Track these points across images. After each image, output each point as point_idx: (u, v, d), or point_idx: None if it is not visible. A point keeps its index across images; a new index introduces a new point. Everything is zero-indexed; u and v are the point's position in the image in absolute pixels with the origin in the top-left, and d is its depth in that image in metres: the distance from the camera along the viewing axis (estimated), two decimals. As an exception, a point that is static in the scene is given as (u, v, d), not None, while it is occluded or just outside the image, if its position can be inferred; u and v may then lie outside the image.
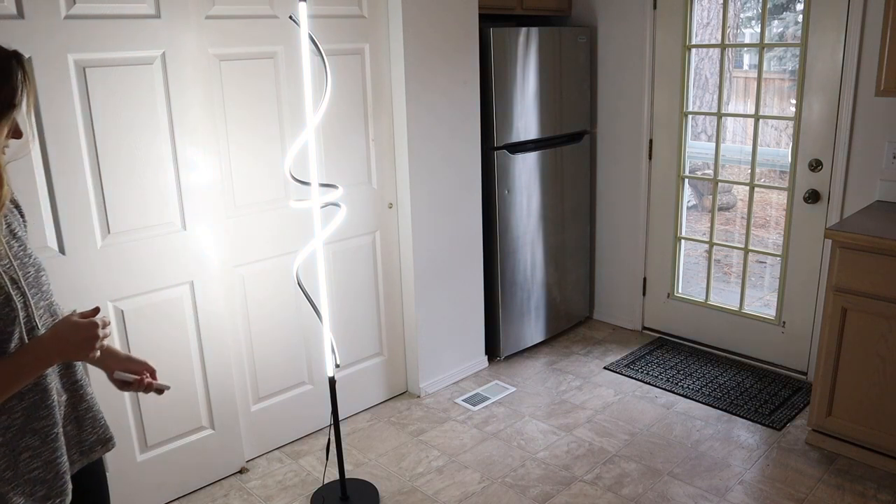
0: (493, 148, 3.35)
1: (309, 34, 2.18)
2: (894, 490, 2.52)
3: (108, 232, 2.28)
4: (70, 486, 1.33)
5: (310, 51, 2.21)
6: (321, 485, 2.66)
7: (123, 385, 1.43)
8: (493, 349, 3.64)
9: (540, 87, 3.49)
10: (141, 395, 2.42)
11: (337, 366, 2.54)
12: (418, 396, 3.32)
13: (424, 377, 3.33)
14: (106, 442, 1.46)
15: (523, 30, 3.35)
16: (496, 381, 3.46)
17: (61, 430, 1.31)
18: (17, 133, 1.20)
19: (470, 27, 3.13)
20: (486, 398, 3.29)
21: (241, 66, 2.54)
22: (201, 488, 2.66)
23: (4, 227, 1.22)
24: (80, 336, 1.20)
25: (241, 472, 2.76)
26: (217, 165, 2.54)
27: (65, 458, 1.31)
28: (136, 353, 2.38)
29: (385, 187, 3.09)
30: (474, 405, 3.24)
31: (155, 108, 2.31)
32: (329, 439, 2.57)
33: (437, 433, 3.01)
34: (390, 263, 3.18)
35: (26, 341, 1.21)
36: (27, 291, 1.22)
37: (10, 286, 1.18)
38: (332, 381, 2.48)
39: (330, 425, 2.61)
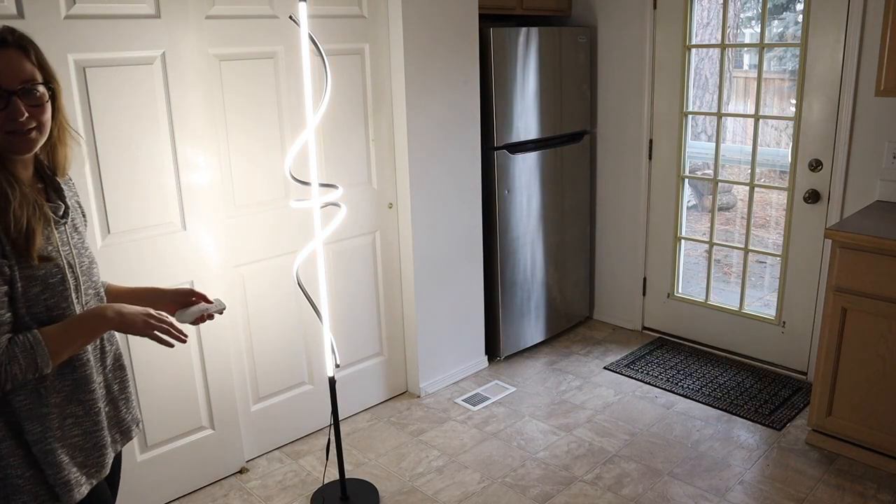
0: (493, 148, 3.35)
1: (309, 34, 2.18)
2: (894, 490, 2.52)
3: (109, 232, 2.28)
4: (109, 462, 1.46)
5: (310, 51, 2.21)
6: (321, 485, 2.66)
7: (195, 322, 1.56)
8: (493, 349, 3.64)
9: (540, 87, 3.49)
10: (142, 393, 2.43)
11: (337, 366, 2.54)
12: (418, 396, 3.32)
13: (424, 377, 3.33)
14: (138, 422, 1.59)
15: (523, 30, 3.35)
16: (496, 381, 3.46)
17: (103, 408, 1.44)
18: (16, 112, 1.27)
19: (470, 27, 3.13)
20: (486, 398, 3.29)
21: (241, 67, 2.54)
22: (201, 488, 2.66)
23: (70, 220, 1.40)
24: (129, 317, 1.37)
25: (241, 472, 2.76)
26: (217, 165, 2.55)
27: (106, 433, 1.44)
28: (137, 353, 2.40)
29: (385, 187, 3.09)
30: (474, 405, 3.24)
31: (155, 109, 2.31)
32: (329, 439, 2.57)
33: (437, 433, 3.01)
34: (390, 263, 3.18)
35: None
36: (80, 277, 1.38)
37: (66, 269, 1.34)
38: (332, 381, 2.48)
39: (330, 425, 2.61)
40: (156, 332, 1.39)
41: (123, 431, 1.53)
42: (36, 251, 1.25)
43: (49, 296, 1.30)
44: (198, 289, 1.62)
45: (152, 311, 1.40)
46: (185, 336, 1.43)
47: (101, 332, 1.38)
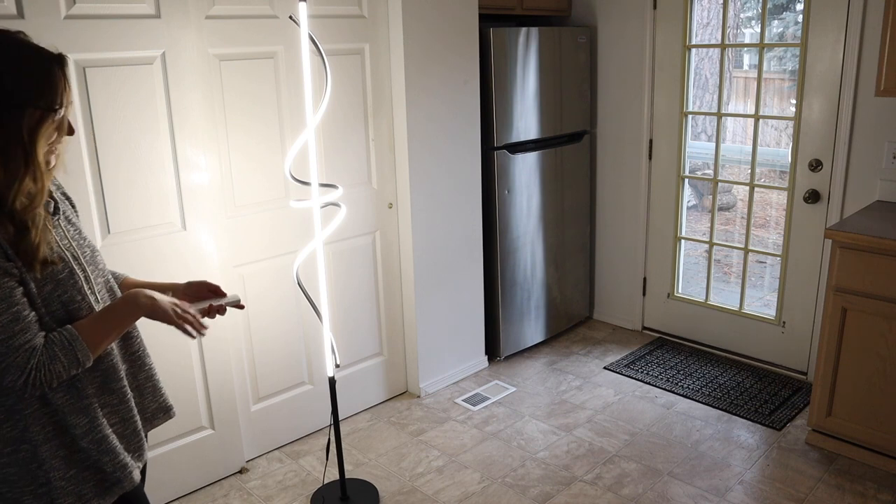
0: (493, 148, 3.35)
1: (309, 34, 2.18)
2: (894, 490, 2.53)
3: (109, 232, 2.28)
4: (146, 446, 1.49)
5: (310, 51, 2.21)
6: (321, 485, 2.66)
7: (200, 314, 1.55)
8: (493, 349, 3.64)
9: (540, 87, 3.49)
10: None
11: (337, 366, 2.54)
12: (418, 396, 3.32)
13: (424, 377, 3.33)
14: (167, 410, 1.59)
15: (523, 30, 3.35)
16: (496, 381, 3.46)
17: (131, 394, 1.45)
18: (69, 130, 1.32)
19: (470, 27, 3.13)
20: (486, 398, 3.29)
21: (241, 67, 2.54)
22: (201, 488, 2.66)
23: (62, 214, 1.39)
24: (160, 304, 1.40)
25: (241, 472, 2.76)
26: (217, 165, 2.55)
27: (138, 419, 1.46)
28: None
29: (385, 187, 3.09)
30: (474, 405, 3.24)
31: (155, 109, 2.31)
32: (329, 439, 2.57)
33: (437, 433, 3.01)
34: (390, 263, 3.18)
35: (94, 309, 1.36)
36: (87, 267, 1.38)
37: (72, 262, 1.34)
38: (332, 381, 2.48)
39: (330, 425, 2.61)
40: (183, 323, 1.43)
41: (147, 418, 1.54)
42: (39, 262, 1.25)
43: (62, 291, 1.30)
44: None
45: (178, 302, 1.43)
46: (206, 328, 1.47)
47: (135, 318, 1.39)
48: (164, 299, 1.41)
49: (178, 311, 1.43)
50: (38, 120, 1.23)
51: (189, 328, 1.45)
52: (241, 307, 1.62)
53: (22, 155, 1.22)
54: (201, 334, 1.47)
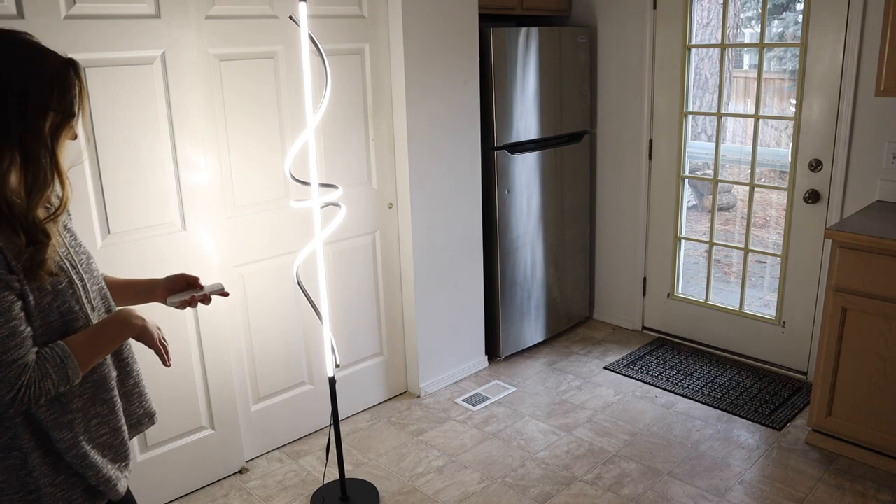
0: (493, 148, 3.36)
1: (309, 34, 2.18)
2: (894, 490, 2.53)
3: (108, 232, 2.28)
4: (131, 454, 1.47)
5: (310, 51, 2.21)
6: (321, 485, 2.66)
7: (181, 305, 1.57)
8: (493, 349, 3.64)
9: (540, 87, 3.49)
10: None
11: (337, 366, 2.54)
12: (418, 396, 3.32)
13: (424, 377, 3.33)
14: (151, 416, 1.58)
15: (523, 30, 3.36)
16: (496, 381, 3.46)
17: (120, 403, 1.45)
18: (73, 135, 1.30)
19: (470, 27, 3.13)
20: (487, 398, 3.29)
21: (241, 67, 2.55)
22: (201, 488, 2.66)
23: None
24: (149, 326, 1.45)
25: (241, 472, 2.77)
26: (217, 165, 2.55)
27: (125, 427, 1.45)
28: (137, 353, 2.39)
29: (385, 187, 3.09)
30: (474, 405, 3.24)
31: (155, 109, 2.31)
32: (329, 439, 2.58)
33: (437, 433, 3.01)
34: (390, 263, 3.18)
35: (90, 319, 1.35)
36: (84, 276, 1.37)
37: (71, 271, 1.32)
38: (332, 381, 2.48)
39: (330, 425, 2.61)
40: (160, 349, 1.47)
41: (133, 424, 1.53)
42: (46, 273, 1.24)
43: (61, 302, 1.28)
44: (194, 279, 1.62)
45: (160, 329, 1.48)
46: (169, 362, 1.53)
47: (125, 338, 1.41)
48: (152, 323, 1.44)
49: (163, 336, 1.48)
50: (58, 125, 1.22)
51: (165, 356, 1.50)
52: (226, 294, 1.61)
53: (49, 161, 1.21)
54: (167, 365, 1.53)
